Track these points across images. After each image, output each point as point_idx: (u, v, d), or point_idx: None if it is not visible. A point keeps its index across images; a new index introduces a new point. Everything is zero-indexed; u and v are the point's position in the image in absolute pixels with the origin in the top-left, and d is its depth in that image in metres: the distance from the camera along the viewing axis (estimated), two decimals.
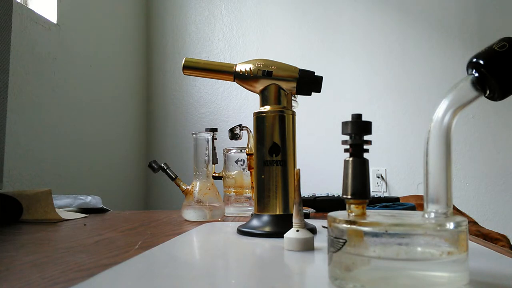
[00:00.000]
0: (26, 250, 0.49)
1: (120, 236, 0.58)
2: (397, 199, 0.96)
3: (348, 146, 0.33)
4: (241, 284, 0.33)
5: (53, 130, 1.26)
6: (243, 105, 1.95)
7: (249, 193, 0.86)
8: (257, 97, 0.60)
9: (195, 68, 0.62)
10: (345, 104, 1.87)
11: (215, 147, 0.85)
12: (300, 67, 0.59)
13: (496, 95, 0.32)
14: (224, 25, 2.01)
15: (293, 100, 0.80)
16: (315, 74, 0.58)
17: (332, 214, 0.31)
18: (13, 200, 0.73)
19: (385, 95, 1.88)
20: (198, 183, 0.77)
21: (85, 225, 0.70)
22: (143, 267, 0.38)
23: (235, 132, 0.79)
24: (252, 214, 0.75)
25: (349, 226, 0.29)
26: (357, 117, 0.32)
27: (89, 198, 0.92)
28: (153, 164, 0.80)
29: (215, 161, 0.86)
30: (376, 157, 1.80)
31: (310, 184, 1.53)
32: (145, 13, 2.04)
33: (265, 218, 0.57)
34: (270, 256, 0.44)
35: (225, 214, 0.83)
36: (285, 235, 0.46)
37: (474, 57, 0.33)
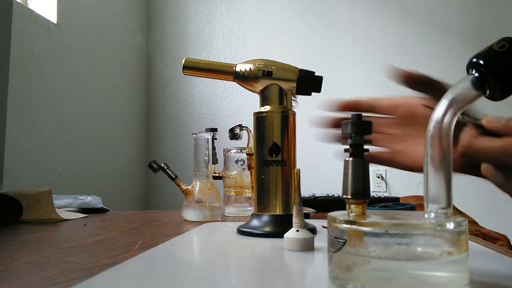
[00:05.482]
0: (26, 250, 0.49)
1: (120, 236, 0.58)
2: (397, 199, 0.96)
3: (348, 146, 0.33)
4: (241, 284, 0.33)
5: (53, 130, 1.26)
6: (243, 105, 1.95)
7: (249, 193, 0.86)
8: (257, 97, 0.60)
9: (195, 68, 0.62)
10: None
11: (215, 147, 0.85)
12: (300, 67, 0.59)
13: (496, 95, 0.32)
14: (224, 25, 2.01)
15: (293, 100, 0.80)
16: (315, 74, 0.59)
17: (332, 214, 0.31)
18: (13, 200, 0.73)
19: (385, 95, 1.88)
20: (198, 183, 0.77)
21: (85, 225, 0.70)
22: (143, 267, 0.38)
23: (235, 132, 0.79)
24: (252, 214, 0.75)
25: (349, 226, 0.29)
26: (357, 117, 0.32)
27: (89, 198, 0.92)
28: (153, 164, 0.80)
29: (215, 161, 0.86)
30: None
31: (310, 184, 1.53)
32: (145, 13, 2.04)
33: (265, 218, 0.57)
34: (270, 256, 0.44)
35: (225, 214, 0.83)
36: (285, 235, 0.45)
37: (474, 57, 0.33)
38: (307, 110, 1.81)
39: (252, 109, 0.62)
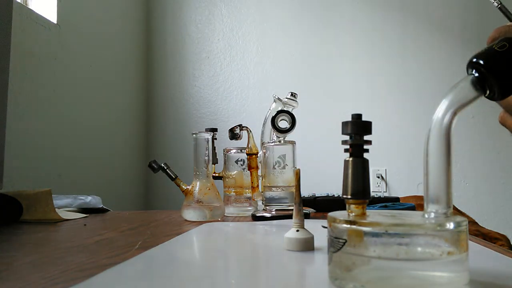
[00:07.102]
0: (26, 250, 0.49)
1: (120, 236, 0.58)
2: (397, 199, 0.96)
3: (348, 146, 0.33)
4: (241, 284, 0.33)
5: (53, 130, 1.26)
6: (243, 105, 1.95)
7: (249, 193, 0.86)
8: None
9: None
10: (345, 104, 1.87)
11: (215, 147, 0.85)
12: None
13: (496, 95, 0.32)
14: (224, 25, 2.01)
15: (292, 100, 0.80)
16: None
17: (332, 214, 0.31)
18: (13, 200, 0.73)
19: (385, 95, 1.88)
20: (198, 183, 0.77)
21: (85, 225, 0.70)
22: (143, 267, 0.38)
23: (235, 132, 0.79)
24: (252, 214, 0.75)
25: (349, 226, 0.29)
26: (357, 117, 0.32)
27: (89, 198, 0.92)
28: (153, 164, 0.79)
29: (215, 161, 0.86)
30: (376, 157, 1.80)
31: (310, 184, 1.53)
32: (145, 13, 2.04)
33: None
34: (270, 256, 0.44)
35: (225, 214, 0.83)
36: (285, 235, 0.46)
37: (474, 57, 0.33)
38: (307, 111, 1.79)
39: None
